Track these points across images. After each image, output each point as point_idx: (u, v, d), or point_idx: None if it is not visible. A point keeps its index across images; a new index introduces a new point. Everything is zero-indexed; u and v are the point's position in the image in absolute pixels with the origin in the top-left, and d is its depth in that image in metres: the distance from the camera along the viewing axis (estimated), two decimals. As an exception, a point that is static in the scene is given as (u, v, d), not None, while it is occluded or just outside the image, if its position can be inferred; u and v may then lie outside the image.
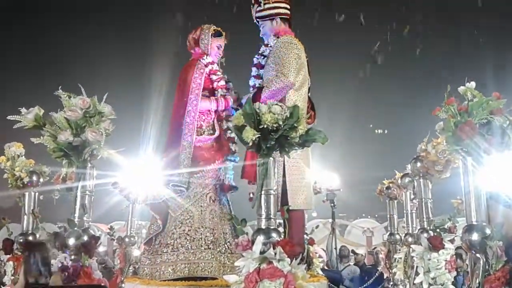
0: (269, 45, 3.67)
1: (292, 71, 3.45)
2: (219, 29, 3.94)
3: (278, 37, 3.63)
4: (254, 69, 3.72)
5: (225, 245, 3.47)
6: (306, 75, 3.62)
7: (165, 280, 3.32)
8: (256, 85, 3.65)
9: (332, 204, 7.13)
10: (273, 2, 3.73)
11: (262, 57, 3.68)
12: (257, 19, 3.83)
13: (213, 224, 3.49)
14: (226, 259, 3.42)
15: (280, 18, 3.73)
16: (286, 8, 3.75)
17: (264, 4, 3.74)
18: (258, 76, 3.67)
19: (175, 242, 3.45)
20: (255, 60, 3.73)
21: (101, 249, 6.41)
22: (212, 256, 3.37)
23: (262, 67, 3.66)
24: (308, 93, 3.70)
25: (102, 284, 2.56)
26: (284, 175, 3.38)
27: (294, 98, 3.47)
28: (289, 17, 3.78)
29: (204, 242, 3.41)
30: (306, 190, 3.48)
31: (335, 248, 7.32)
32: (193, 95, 3.66)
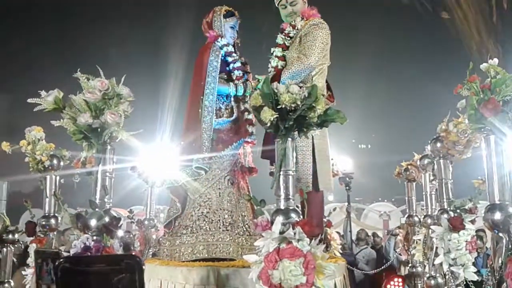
0: (296, 27, 3.60)
1: (315, 54, 3.41)
2: (230, 9, 3.89)
3: (305, 19, 3.59)
4: (277, 49, 3.64)
5: (243, 227, 3.50)
6: (328, 60, 3.62)
7: (184, 261, 3.37)
8: (279, 67, 3.58)
9: (347, 188, 7.10)
10: None
11: (288, 38, 3.61)
12: None
13: (231, 207, 3.51)
14: (244, 241, 3.45)
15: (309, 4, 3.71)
16: None
17: None
18: (283, 58, 3.60)
19: (194, 224, 3.49)
20: (280, 41, 3.65)
21: (120, 233, 6.50)
22: (230, 238, 3.40)
23: (287, 48, 3.61)
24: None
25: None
26: (313, 155, 3.39)
27: (319, 82, 3.45)
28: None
29: (222, 224, 3.44)
30: (329, 171, 3.54)
31: (350, 231, 7.33)
32: (210, 78, 3.64)
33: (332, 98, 3.65)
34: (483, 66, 2.44)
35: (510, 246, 2.33)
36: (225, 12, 3.86)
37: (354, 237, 8.40)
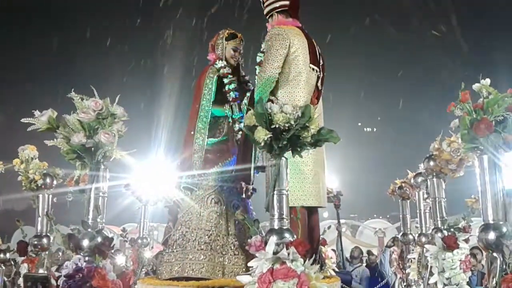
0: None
1: (269, 65, 3.37)
2: (233, 31, 3.97)
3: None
4: (257, 67, 3.67)
5: (228, 246, 3.50)
6: (302, 65, 3.45)
7: (164, 279, 3.44)
8: None
9: (336, 206, 7.09)
10: (270, 1, 3.64)
11: (262, 54, 3.62)
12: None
13: (210, 226, 3.55)
14: (226, 260, 3.45)
15: (278, 12, 3.62)
16: None
17: (264, 3, 3.68)
18: None
19: (175, 243, 3.57)
20: (258, 59, 3.68)
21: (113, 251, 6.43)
22: (204, 257, 3.42)
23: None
24: (317, 83, 3.58)
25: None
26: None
27: (285, 90, 3.40)
28: (288, 7, 3.61)
29: (197, 243, 3.49)
30: (305, 187, 3.38)
31: (341, 250, 7.32)
32: (204, 101, 3.75)
33: (314, 100, 3.52)
34: (475, 86, 2.46)
35: (504, 266, 2.32)
36: (227, 35, 3.94)
37: (347, 255, 8.37)
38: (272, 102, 3.31)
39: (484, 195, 2.45)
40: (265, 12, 3.69)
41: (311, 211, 3.45)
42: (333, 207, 7.14)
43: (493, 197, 2.44)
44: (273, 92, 3.39)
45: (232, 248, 3.49)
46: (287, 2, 3.60)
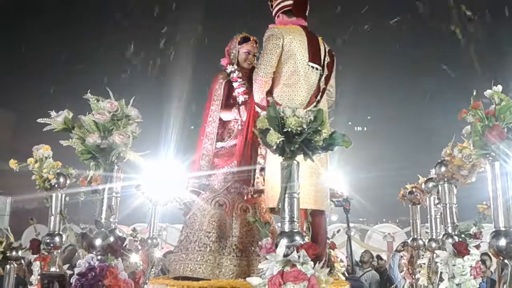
0: None
1: (261, 66, 3.39)
2: (245, 35, 4.00)
3: None
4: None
5: (230, 248, 3.54)
6: (299, 64, 3.42)
7: (169, 278, 3.59)
8: None
9: (345, 210, 7.06)
10: (277, 1, 3.67)
11: None
12: None
13: (210, 228, 3.58)
14: (228, 261, 3.49)
15: (282, 12, 3.64)
16: None
17: (272, 5, 3.72)
18: None
19: (180, 243, 3.67)
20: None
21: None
22: (202, 258, 3.47)
23: None
24: (320, 81, 3.52)
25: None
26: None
27: (281, 89, 3.40)
28: (292, 7, 3.62)
29: (197, 245, 3.54)
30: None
31: (351, 254, 7.28)
32: (214, 106, 3.85)
33: (313, 98, 3.46)
34: (487, 93, 2.46)
35: (515, 273, 2.32)
36: (240, 39, 3.98)
37: (357, 259, 8.34)
38: (268, 103, 3.40)
39: (495, 201, 2.45)
40: (273, 14, 3.72)
41: (312, 215, 3.40)
42: (343, 211, 7.11)
43: (504, 204, 2.45)
44: (271, 92, 3.41)
45: (235, 249, 3.53)
46: (291, 2, 3.61)
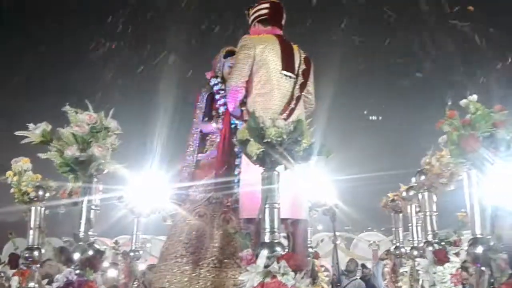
0: None
1: (233, 75, 3.42)
2: (231, 48, 4.04)
3: None
4: None
5: (209, 259, 3.53)
6: (272, 73, 3.41)
7: None
8: None
9: (332, 218, 7.07)
10: (253, 10, 3.68)
11: None
12: None
13: (188, 239, 3.58)
14: (207, 272, 3.48)
15: (258, 21, 3.64)
16: (264, 8, 3.64)
17: (249, 14, 3.71)
18: None
19: (161, 255, 3.69)
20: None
21: (105, 264, 6.40)
22: (178, 269, 3.48)
23: None
24: (294, 89, 3.47)
25: None
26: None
27: (254, 99, 3.38)
28: (267, 15, 3.62)
29: (174, 256, 3.55)
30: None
31: (337, 263, 7.27)
32: (196, 119, 3.92)
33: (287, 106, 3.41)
34: (463, 102, 2.51)
35: (492, 280, 2.35)
36: (225, 53, 4.02)
37: (343, 267, 8.34)
38: (242, 112, 3.42)
39: (472, 209, 2.48)
40: (249, 22, 3.72)
41: (291, 224, 3.31)
42: (329, 220, 7.12)
43: (481, 211, 2.48)
44: (244, 101, 3.42)
45: (214, 260, 3.51)
46: (266, 11, 3.62)
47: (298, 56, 3.60)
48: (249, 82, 3.42)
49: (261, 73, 3.39)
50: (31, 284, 3.56)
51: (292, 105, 3.41)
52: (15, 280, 3.54)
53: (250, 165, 2.96)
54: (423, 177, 3.43)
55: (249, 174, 3.10)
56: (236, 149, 3.48)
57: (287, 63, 3.49)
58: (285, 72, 3.46)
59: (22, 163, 3.58)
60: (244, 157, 3.11)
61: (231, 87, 3.40)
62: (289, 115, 3.29)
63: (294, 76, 3.52)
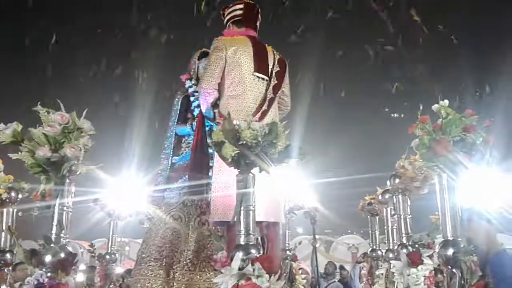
0: None
1: (207, 77, 3.38)
2: (205, 50, 4.03)
3: None
4: None
5: (183, 262, 3.52)
6: (245, 74, 3.38)
7: None
8: None
9: (312, 221, 7.11)
10: (228, 11, 3.66)
11: None
12: None
13: (162, 242, 3.57)
14: (180, 276, 3.47)
15: (232, 22, 3.62)
16: (238, 9, 3.62)
17: (224, 14, 3.70)
18: None
19: (137, 259, 3.67)
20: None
21: (81, 267, 6.32)
22: (152, 273, 3.47)
23: None
24: (267, 91, 3.43)
25: None
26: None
27: (226, 101, 3.35)
28: (242, 16, 3.60)
29: (149, 259, 3.54)
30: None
31: (316, 266, 7.31)
32: (171, 122, 3.92)
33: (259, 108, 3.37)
34: (435, 107, 2.56)
35: (462, 282, 2.39)
36: (199, 54, 4.01)
37: (322, 270, 8.38)
38: (215, 114, 3.40)
39: (444, 212, 2.53)
40: (224, 23, 3.70)
41: (265, 227, 3.32)
42: (309, 222, 7.15)
43: (452, 215, 2.53)
44: (217, 104, 3.40)
45: (188, 264, 3.50)
46: (240, 12, 3.60)
47: (272, 58, 3.57)
48: (221, 84, 3.40)
49: (233, 75, 3.37)
50: (3, 287, 3.49)
51: (264, 107, 3.37)
52: (-14, 283, 3.46)
53: (222, 168, 2.98)
54: (397, 181, 3.48)
55: (221, 177, 3.12)
56: (210, 151, 3.45)
57: (260, 65, 3.46)
58: (257, 74, 3.43)
59: (-6, 164, 3.50)
60: (216, 159, 3.12)
61: (202, 90, 3.37)
62: (261, 118, 3.26)
63: (267, 78, 3.49)
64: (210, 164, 3.47)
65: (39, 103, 2.52)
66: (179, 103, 3.92)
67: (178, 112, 3.89)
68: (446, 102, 2.52)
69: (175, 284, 3.42)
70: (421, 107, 2.51)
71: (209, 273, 3.40)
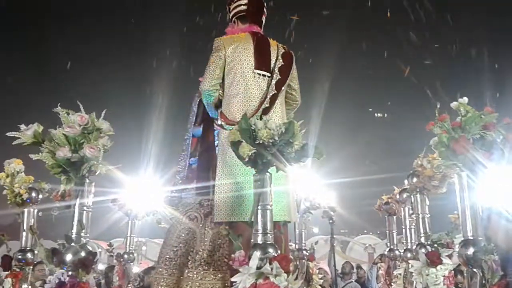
0: None
1: (208, 77, 3.35)
2: None
3: None
4: None
5: (197, 262, 3.54)
6: (246, 71, 3.34)
7: None
8: None
9: (330, 221, 7.08)
10: (233, 6, 3.60)
11: None
12: None
13: (177, 242, 3.59)
14: (194, 275, 3.49)
15: (237, 17, 3.58)
16: (243, 4, 3.55)
17: (229, 9, 3.64)
18: None
19: (157, 258, 3.67)
20: None
21: (100, 266, 6.40)
22: (166, 272, 3.49)
23: None
24: (269, 87, 3.35)
25: None
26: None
27: (228, 100, 3.33)
28: (246, 12, 3.55)
29: (164, 259, 3.55)
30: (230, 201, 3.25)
31: (334, 266, 7.27)
32: (189, 124, 3.88)
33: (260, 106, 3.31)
34: (453, 104, 2.52)
35: (483, 282, 2.36)
36: None
37: (339, 270, 8.34)
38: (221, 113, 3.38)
39: (464, 211, 2.50)
40: (229, 19, 3.66)
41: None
42: (326, 222, 7.12)
43: (472, 214, 2.49)
44: (220, 103, 3.38)
45: (203, 263, 3.51)
46: (245, 7, 3.55)
47: (276, 52, 3.48)
48: (222, 84, 3.37)
49: (234, 74, 3.33)
50: (24, 286, 3.56)
51: (266, 105, 3.29)
52: (8, 282, 3.52)
53: (225, 169, 3.01)
54: (415, 180, 3.44)
55: (226, 176, 3.17)
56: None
57: (260, 62, 3.39)
58: (258, 71, 3.36)
59: (14, 164, 3.57)
60: (219, 160, 3.21)
61: (202, 91, 3.36)
62: (263, 115, 3.08)
63: (269, 75, 3.40)
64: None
65: (59, 104, 2.57)
66: (197, 104, 3.94)
67: (195, 114, 3.91)
68: (466, 99, 2.49)
69: (189, 282, 3.44)
70: (438, 106, 2.47)
71: (224, 273, 3.41)
